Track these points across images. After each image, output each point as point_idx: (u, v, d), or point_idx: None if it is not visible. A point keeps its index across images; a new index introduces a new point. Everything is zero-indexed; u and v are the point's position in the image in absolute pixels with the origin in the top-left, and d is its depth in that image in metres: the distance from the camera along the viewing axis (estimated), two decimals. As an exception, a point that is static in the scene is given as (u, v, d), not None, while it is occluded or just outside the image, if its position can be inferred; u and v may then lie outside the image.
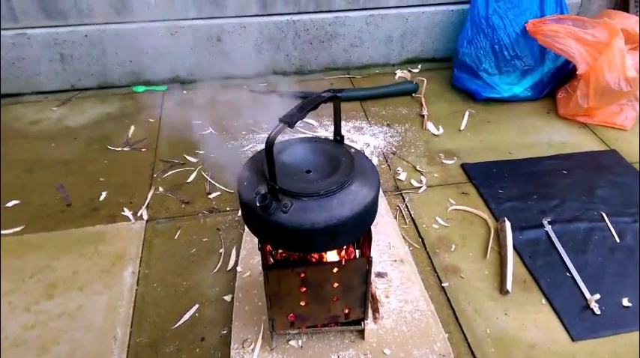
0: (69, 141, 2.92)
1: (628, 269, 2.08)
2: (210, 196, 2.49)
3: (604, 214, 2.35)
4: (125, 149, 2.85)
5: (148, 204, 2.44)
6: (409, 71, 3.72)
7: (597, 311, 1.89)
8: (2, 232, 2.25)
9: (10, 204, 2.42)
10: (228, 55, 3.49)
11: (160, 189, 2.54)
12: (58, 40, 3.20)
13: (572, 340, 1.81)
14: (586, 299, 1.94)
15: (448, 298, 1.97)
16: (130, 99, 3.35)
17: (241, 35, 3.42)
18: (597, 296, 1.93)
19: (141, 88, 3.48)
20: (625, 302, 1.93)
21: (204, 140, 2.91)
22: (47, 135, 2.96)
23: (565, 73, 3.25)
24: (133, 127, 3.03)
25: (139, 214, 2.37)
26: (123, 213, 2.37)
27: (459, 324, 1.87)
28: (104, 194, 2.50)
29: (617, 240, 2.22)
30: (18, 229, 2.27)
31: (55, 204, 2.44)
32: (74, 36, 3.21)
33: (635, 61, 2.81)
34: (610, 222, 2.31)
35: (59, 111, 3.22)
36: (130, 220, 2.33)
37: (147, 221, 2.33)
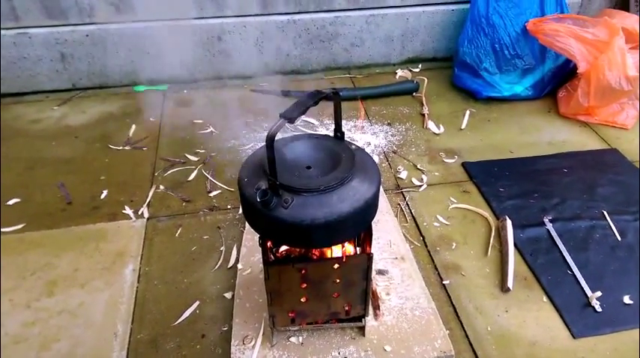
0: (70, 140, 2.92)
1: (629, 267, 2.07)
2: (211, 194, 2.49)
3: (605, 212, 2.35)
4: (126, 148, 2.85)
5: (149, 202, 2.44)
6: (410, 70, 3.72)
7: (598, 309, 1.89)
8: (3, 230, 2.25)
9: (11, 203, 2.43)
10: (228, 54, 3.50)
11: (161, 187, 2.54)
12: (59, 40, 3.21)
13: (573, 337, 1.81)
14: (587, 297, 1.94)
15: (449, 295, 1.97)
16: (131, 99, 3.35)
17: (242, 34, 3.43)
18: (598, 293, 1.93)
19: (142, 87, 3.48)
20: (626, 299, 1.93)
21: (205, 139, 2.92)
22: (48, 134, 2.97)
23: (566, 72, 3.25)
24: (134, 126, 3.04)
25: (139, 212, 2.37)
26: (124, 211, 2.37)
27: (460, 321, 1.87)
28: (105, 192, 2.50)
29: (619, 238, 2.22)
30: (19, 227, 2.28)
31: (55, 202, 2.44)
32: (75, 35, 3.21)
33: (635, 60, 2.81)
34: (611, 221, 2.31)
35: (60, 110, 3.22)
36: (130, 218, 2.34)
37: (148, 219, 2.33)
